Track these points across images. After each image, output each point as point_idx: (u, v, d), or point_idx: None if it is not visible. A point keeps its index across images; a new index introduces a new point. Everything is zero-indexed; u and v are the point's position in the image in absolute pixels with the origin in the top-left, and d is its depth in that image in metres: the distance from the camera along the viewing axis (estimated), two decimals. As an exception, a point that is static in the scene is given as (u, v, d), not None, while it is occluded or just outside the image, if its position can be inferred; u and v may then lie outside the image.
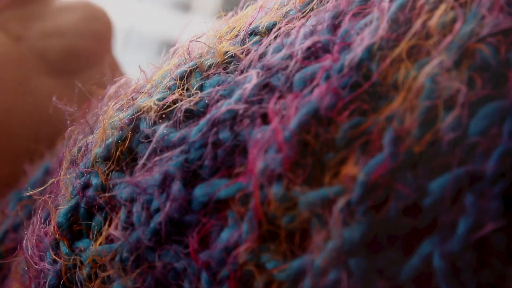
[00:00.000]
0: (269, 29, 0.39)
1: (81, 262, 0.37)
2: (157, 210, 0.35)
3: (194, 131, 0.36)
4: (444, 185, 0.28)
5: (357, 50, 0.33)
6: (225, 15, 0.45)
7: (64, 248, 0.38)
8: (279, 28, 0.38)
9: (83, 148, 0.41)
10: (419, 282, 0.28)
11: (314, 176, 0.31)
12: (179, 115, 0.37)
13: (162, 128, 0.37)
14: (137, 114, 0.39)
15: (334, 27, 0.36)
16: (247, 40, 0.39)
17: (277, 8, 0.41)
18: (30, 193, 0.42)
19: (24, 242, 0.41)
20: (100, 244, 0.37)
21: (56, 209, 0.39)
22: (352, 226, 0.29)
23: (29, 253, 0.40)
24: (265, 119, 0.34)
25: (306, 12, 0.39)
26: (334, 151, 0.31)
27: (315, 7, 0.39)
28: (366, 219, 0.29)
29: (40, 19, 0.57)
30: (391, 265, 0.29)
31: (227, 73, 0.38)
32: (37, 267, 0.39)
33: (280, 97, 0.34)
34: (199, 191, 0.34)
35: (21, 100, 0.54)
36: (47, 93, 0.53)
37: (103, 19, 0.59)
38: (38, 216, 0.41)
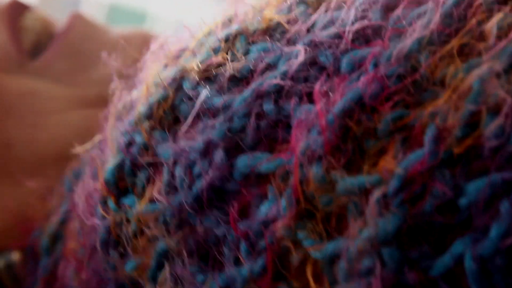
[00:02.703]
0: None
1: (127, 220, 0.39)
2: (199, 175, 0.36)
3: (238, 100, 0.37)
4: (481, 188, 0.29)
5: (407, 41, 0.33)
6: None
7: (111, 204, 0.40)
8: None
9: (127, 105, 0.42)
10: (451, 278, 0.30)
11: (353, 161, 0.33)
12: (223, 79, 0.38)
13: (205, 92, 0.38)
14: (181, 73, 0.40)
15: (387, 9, 0.36)
16: (294, 8, 0.39)
17: None
18: (79, 150, 0.43)
19: (76, 198, 0.42)
20: (144, 204, 0.38)
21: (103, 166, 0.41)
22: (387, 217, 0.30)
23: (80, 209, 0.42)
24: (310, 97, 0.35)
25: None
26: (375, 140, 0.32)
27: None
28: (401, 211, 0.30)
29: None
30: (423, 258, 0.30)
31: (274, 41, 0.38)
32: (88, 222, 0.41)
33: (327, 78, 0.35)
34: (241, 162, 0.35)
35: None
36: None
37: None
38: (87, 172, 0.42)
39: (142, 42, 0.49)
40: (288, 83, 0.35)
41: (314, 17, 0.38)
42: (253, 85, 0.37)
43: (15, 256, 0.55)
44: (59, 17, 0.63)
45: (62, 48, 0.58)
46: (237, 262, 0.35)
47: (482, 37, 0.32)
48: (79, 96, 0.55)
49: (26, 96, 0.55)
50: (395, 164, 0.31)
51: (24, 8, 0.60)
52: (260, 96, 0.36)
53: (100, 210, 0.40)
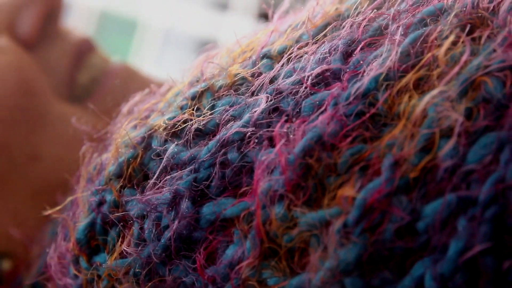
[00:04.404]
0: (280, 53, 0.41)
1: (99, 276, 0.39)
2: (167, 227, 0.37)
3: (204, 151, 0.37)
4: (437, 209, 0.29)
5: (365, 80, 0.34)
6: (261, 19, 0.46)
7: (83, 263, 0.40)
8: (291, 52, 0.40)
9: (98, 167, 0.42)
10: None
11: (315, 198, 0.33)
12: (189, 134, 0.39)
13: (172, 147, 0.38)
14: (149, 132, 0.41)
15: (346, 55, 0.37)
16: (258, 63, 0.40)
17: (289, 32, 0.42)
18: (50, 212, 0.44)
19: (48, 259, 0.43)
20: (115, 259, 0.38)
21: (75, 226, 0.41)
22: (348, 247, 0.30)
23: (53, 270, 0.42)
24: (272, 141, 0.35)
25: (319, 38, 0.40)
26: (335, 175, 0.33)
27: (328, 33, 0.40)
28: (362, 240, 0.30)
29: None
30: (385, 284, 0.30)
31: (238, 94, 0.39)
32: (60, 283, 0.41)
33: (287, 121, 0.35)
34: (207, 210, 0.36)
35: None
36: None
37: None
38: (59, 234, 0.43)
39: None
40: (250, 129, 0.36)
41: (276, 68, 0.39)
42: (217, 136, 0.37)
43: (6, 264, 0.55)
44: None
45: (108, 89, 0.63)
46: None
47: (436, 68, 0.33)
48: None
49: (67, 119, 0.57)
50: (354, 193, 0.31)
51: (93, 46, 0.66)
52: (224, 145, 0.37)
53: (72, 269, 0.40)
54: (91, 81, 0.64)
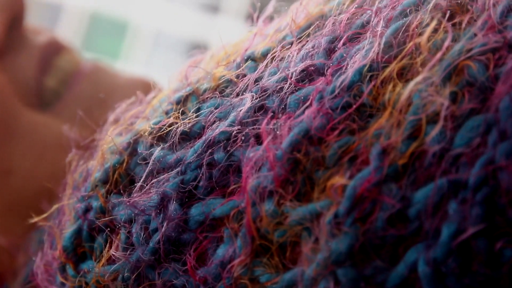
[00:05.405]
0: (264, 55, 0.41)
1: (86, 283, 0.38)
2: (156, 230, 0.36)
3: (190, 153, 0.37)
4: (427, 195, 0.29)
5: (349, 72, 0.34)
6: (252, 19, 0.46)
7: (70, 270, 0.39)
8: (275, 52, 0.40)
9: (84, 174, 0.42)
10: None
11: (304, 192, 0.33)
12: (175, 137, 0.38)
13: (158, 151, 0.38)
14: (135, 137, 0.40)
15: (329, 51, 0.37)
16: (242, 65, 0.40)
17: (273, 34, 0.42)
18: (35, 220, 0.43)
19: (34, 268, 0.42)
20: (102, 265, 0.38)
21: (61, 234, 0.40)
22: (339, 238, 0.30)
23: (39, 278, 0.41)
24: (259, 139, 0.35)
25: (303, 37, 0.40)
26: (324, 169, 0.32)
27: (312, 33, 0.40)
28: (353, 230, 0.30)
29: None
30: (378, 273, 0.29)
31: (223, 96, 0.39)
32: None
33: (273, 118, 0.35)
34: (195, 211, 0.35)
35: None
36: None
37: None
38: (46, 243, 0.42)
39: (142, 90, 0.49)
40: (235, 128, 0.36)
41: (260, 68, 0.39)
42: (203, 137, 0.37)
43: None
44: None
45: (77, 93, 0.60)
46: None
47: (419, 55, 0.33)
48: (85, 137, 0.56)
49: (38, 128, 0.56)
50: (344, 180, 0.31)
51: (61, 47, 0.63)
52: (210, 146, 0.36)
53: (59, 277, 0.40)
54: (59, 84, 0.61)
